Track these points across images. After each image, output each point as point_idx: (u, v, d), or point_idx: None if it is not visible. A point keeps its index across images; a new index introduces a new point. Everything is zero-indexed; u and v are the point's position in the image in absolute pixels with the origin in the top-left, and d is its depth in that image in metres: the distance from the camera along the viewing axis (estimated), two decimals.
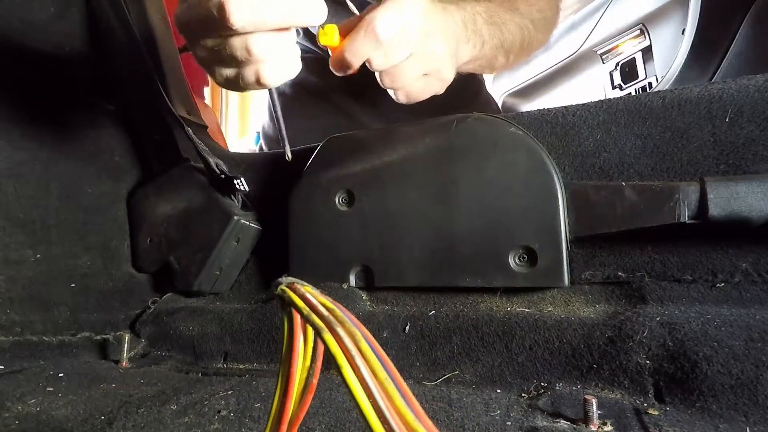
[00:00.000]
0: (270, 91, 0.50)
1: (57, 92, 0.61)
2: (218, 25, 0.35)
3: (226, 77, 0.40)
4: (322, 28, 0.43)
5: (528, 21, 0.59)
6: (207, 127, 0.70)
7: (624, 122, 0.46)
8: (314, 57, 0.99)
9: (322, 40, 0.44)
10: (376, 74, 0.47)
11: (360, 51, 0.43)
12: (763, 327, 0.36)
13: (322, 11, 0.37)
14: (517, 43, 0.58)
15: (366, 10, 0.46)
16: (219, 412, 0.39)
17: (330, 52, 0.46)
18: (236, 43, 0.36)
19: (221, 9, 0.33)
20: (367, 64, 0.45)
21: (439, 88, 0.51)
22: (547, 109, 0.50)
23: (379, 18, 0.42)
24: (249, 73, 0.38)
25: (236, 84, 0.40)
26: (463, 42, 0.51)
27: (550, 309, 0.46)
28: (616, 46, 1.75)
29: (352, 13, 0.86)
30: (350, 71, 0.45)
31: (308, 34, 0.97)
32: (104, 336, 0.60)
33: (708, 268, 0.43)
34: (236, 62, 0.37)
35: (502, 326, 0.45)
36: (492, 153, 0.48)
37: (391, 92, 0.50)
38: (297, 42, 1.10)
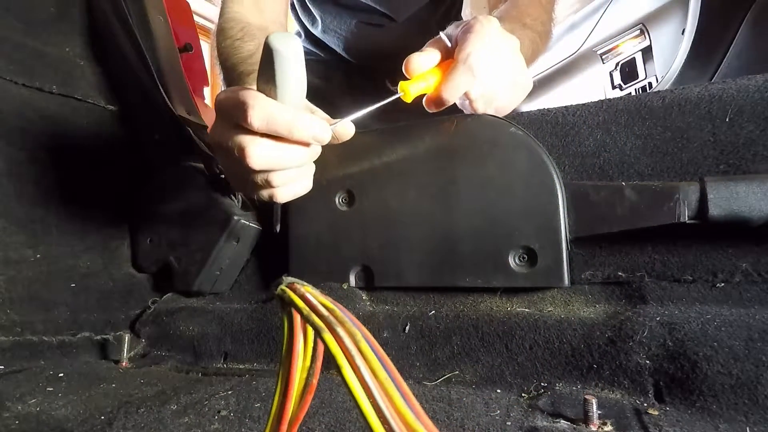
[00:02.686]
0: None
1: (56, 92, 0.61)
2: (243, 165, 0.41)
3: (258, 195, 0.46)
4: (402, 89, 0.46)
5: (536, 34, 0.60)
6: (207, 127, 0.70)
7: (624, 122, 0.46)
8: (316, 59, 0.99)
9: (405, 98, 0.46)
10: (466, 102, 0.49)
11: (459, 88, 0.45)
12: (763, 327, 0.36)
13: (326, 133, 0.42)
14: (530, 57, 0.59)
15: (433, 41, 0.49)
16: (219, 412, 0.40)
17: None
18: (258, 177, 0.43)
19: (242, 153, 0.40)
20: (465, 94, 0.47)
21: (522, 96, 0.52)
22: (547, 109, 0.50)
23: (473, 49, 0.45)
24: (283, 192, 0.45)
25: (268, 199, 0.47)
26: None
27: (550, 309, 0.46)
28: (616, 46, 1.75)
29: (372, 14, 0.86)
30: (447, 105, 0.47)
31: (310, 37, 0.97)
32: (104, 336, 0.60)
33: (708, 268, 0.43)
34: (273, 186, 0.44)
35: (502, 326, 0.45)
36: (492, 153, 0.48)
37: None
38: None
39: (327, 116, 0.45)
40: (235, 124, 0.40)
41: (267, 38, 0.36)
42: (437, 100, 0.47)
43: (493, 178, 0.48)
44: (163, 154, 0.68)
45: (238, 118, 0.39)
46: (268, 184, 0.43)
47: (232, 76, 0.56)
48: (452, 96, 0.46)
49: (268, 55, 0.37)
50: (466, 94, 0.47)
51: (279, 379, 0.20)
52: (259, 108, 0.38)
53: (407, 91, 0.46)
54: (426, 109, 0.48)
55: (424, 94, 0.47)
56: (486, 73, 0.46)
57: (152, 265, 0.66)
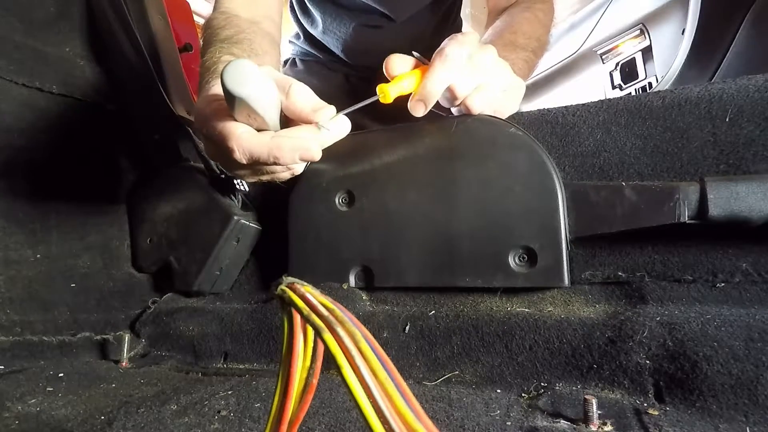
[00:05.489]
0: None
1: (56, 92, 0.61)
2: (270, 166, 0.43)
3: (260, 179, 0.48)
4: (381, 91, 0.46)
5: (529, 52, 0.60)
6: None
7: (624, 122, 0.46)
8: (315, 60, 0.99)
9: (384, 100, 0.46)
10: (464, 103, 0.48)
11: (439, 79, 0.45)
12: (763, 327, 0.36)
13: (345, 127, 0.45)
14: (525, 75, 0.59)
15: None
16: (219, 412, 0.40)
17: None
18: (279, 167, 0.45)
19: (276, 159, 0.41)
20: (452, 93, 0.47)
21: (516, 97, 0.52)
22: (547, 109, 0.50)
23: (448, 46, 0.45)
24: (285, 175, 0.48)
25: (270, 181, 0.49)
26: None
27: (550, 309, 0.46)
28: (616, 46, 1.75)
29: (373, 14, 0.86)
30: (431, 105, 0.47)
31: (309, 38, 0.97)
32: (104, 336, 0.60)
33: (708, 268, 0.43)
34: (275, 172, 0.46)
35: (502, 326, 0.45)
36: (492, 153, 0.48)
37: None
38: (299, 45, 1.10)
39: (321, 102, 0.43)
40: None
41: (222, 80, 0.36)
42: (420, 97, 0.46)
43: (493, 178, 0.48)
44: (163, 154, 0.68)
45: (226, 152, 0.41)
46: (288, 169, 0.46)
47: (203, 52, 0.56)
48: (433, 89, 0.45)
49: (238, 102, 0.37)
50: (452, 92, 0.46)
51: (279, 379, 0.20)
52: (239, 149, 0.40)
53: (387, 92, 0.45)
54: (411, 113, 0.47)
55: (404, 98, 0.47)
56: (467, 69, 0.46)
57: (152, 265, 0.66)
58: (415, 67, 0.47)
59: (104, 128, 0.67)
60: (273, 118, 0.41)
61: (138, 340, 0.62)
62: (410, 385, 0.27)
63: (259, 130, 0.42)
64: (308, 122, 0.42)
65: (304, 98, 0.41)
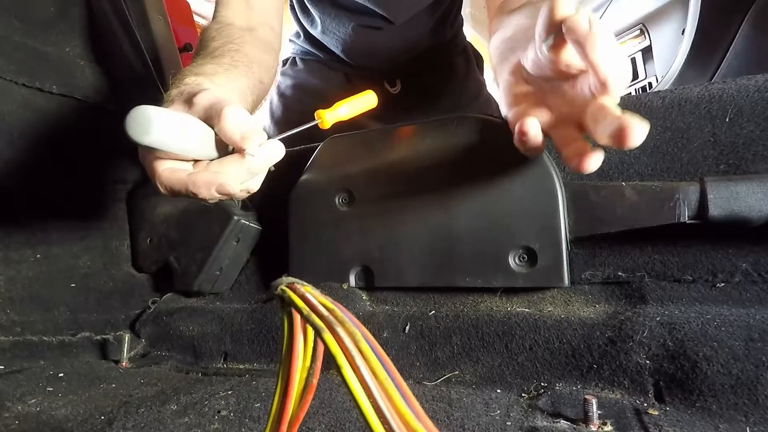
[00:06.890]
0: None
1: (56, 92, 0.61)
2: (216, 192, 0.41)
3: (219, 200, 0.45)
4: (320, 117, 0.48)
5: None
6: None
7: None
8: (315, 60, 0.99)
9: (322, 126, 0.48)
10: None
11: None
12: (763, 327, 0.36)
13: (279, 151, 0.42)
14: None
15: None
16: (219, 412, 0.40)
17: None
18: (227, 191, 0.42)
19: (194, 195, 0.39)
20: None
21: None
22: None
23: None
24: (241, 194, 0.45)
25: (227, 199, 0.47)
26: None
27: (550, 309, 0.46)
28: None
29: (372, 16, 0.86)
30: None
31: (309, 37, 0.97)
32: (104, 336, 0.60)
33: (708, 268, 0.43)
34: (220, 197, 0.43)
35: (502, 326, 0.45)
36: (492, 153, 0.48)
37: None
38: (299, 45, 1.09)
39: (252, 129, 0.39)
40: None
41: (124, 130, 0.35)
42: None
43: (493, 178, 0.48)
44: None
45: None
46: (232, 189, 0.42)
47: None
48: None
49: (147, 149, 0.37)
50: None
51: (279, 379, 0.20)
52: (162, 186, 0.40)
53: (323, 118, 0.48)
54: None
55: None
56: None
57: (152, 265, 0.66)
58: None
59: (104, 128, 0.67)
60: (202, 150, 0.40)
61: (138, 340, 0.62)
62: (410, 385, 0.28)
63: (198, 160, 0.41)
64: (240, 149, 0.39)
65: (233, 125, 0.38)
